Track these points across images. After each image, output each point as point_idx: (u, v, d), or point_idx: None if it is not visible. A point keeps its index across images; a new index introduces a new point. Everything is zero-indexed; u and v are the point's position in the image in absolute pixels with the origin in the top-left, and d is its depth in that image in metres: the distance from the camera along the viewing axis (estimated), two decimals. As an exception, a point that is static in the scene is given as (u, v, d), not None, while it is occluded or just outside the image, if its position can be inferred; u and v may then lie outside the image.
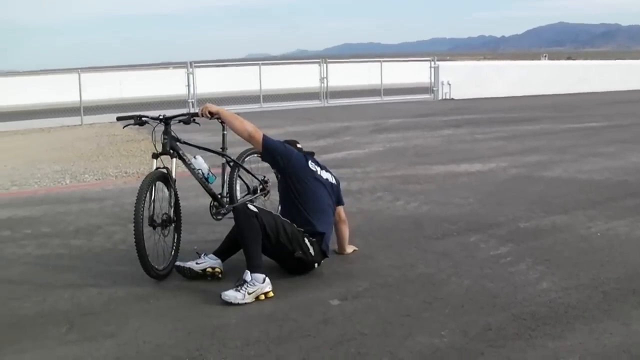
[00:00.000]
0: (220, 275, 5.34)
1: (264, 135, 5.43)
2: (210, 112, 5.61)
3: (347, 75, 27.73)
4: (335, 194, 5.72)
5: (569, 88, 29.32)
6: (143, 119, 5.90)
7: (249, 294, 4.81)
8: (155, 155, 5.65)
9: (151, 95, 25.53)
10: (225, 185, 6.40)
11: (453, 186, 9.04)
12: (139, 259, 5.15)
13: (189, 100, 21.97)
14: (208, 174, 6.08)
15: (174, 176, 5.56)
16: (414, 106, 23.80)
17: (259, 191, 6.78)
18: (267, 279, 4.92)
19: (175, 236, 5.67)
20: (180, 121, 5.89)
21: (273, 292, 4.92)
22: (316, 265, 5.40)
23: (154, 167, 5.56)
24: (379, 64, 28.08)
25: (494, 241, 6.21)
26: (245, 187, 6.75)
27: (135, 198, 5.15)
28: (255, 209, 5.11)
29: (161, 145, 5.75)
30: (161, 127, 5.79)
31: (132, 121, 5.93)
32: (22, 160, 12.71)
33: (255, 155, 6.62)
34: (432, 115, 19.81)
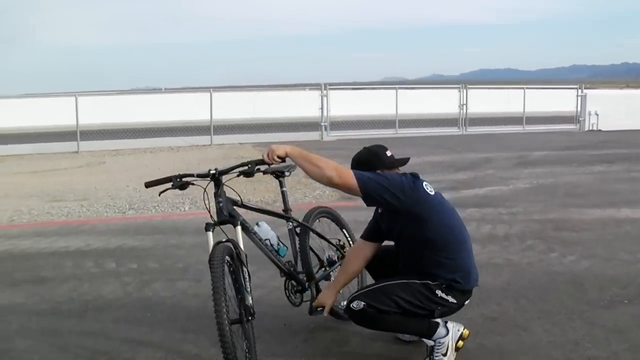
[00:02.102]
0: None
1: (354, 173, 3.97)
2: (278, 156, 4.13)
3: (486, 101, 26.32)
4: None
5: None
6: (185, 179, 4.35)
7: (444, 355, 4.05)
8: (211, 226, 4.20)
9: (284, 116, 25.28)
10: (298, 257, 4.86)
11: (615, 237, 7.81)
12: None
13: (322, 124, 21.30)
14: (278, 244, 4.67)
15: (243, 250, 4.10)
16: (559, 137, 22.23)
17: (337, 259, 5.12)
18: (446, 322, 4.13)
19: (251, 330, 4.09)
20: (240, 174, 4.39)
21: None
22: (465, 303, 4.28)
23: (210, 242, 4.08)
24: (520, 90, 26.59)
25: (677, 315, 5.05)
26: (316, 257, 5.09)
27: (212, 291, 3.75)
28: (360, 304, 4.02)
29: (216, 211, 4.28)
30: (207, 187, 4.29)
31: (169, 185, 4.37)
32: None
33: (328, 217, 5.32)
34: (580, 148, 18.31)
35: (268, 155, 4.13)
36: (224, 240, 4.04)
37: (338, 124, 21.89)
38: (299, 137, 20.83)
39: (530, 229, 8.18)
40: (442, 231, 4.07)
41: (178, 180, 4.30)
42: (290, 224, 4.97)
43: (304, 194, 10.77)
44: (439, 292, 4.07)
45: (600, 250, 7.13)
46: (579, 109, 25.43)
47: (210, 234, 4.14)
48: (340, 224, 5.38)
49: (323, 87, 21.87)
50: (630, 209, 9.37)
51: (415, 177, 4.12)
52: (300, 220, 4.92)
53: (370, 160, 4.19)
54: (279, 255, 4.66)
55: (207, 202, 4.28)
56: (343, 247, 5.20)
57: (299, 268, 4.83)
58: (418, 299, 4.04)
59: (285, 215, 4.98)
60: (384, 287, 4.09)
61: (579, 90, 25.72)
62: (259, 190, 11.14)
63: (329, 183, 3.97)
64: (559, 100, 27.21)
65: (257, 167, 4.34)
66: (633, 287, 5.77)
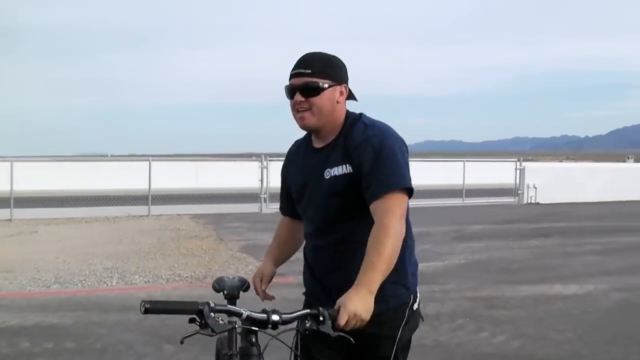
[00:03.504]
0: None
1: (399, 194, 2.83)
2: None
3: (427, 174, 26.41)
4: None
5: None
6: (234, 324, 2.59)
7: None
8: None
9: (225, 187, 25.07)
10: None
11: (547, 314, 7.73)
12: None
13: (262, 195, 21.08)
14: None
15: None
16: (497, 210, 22.37)
17: None
18: None
19: None
20: (305, 331, 2.64)
21: None
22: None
23: None
24: (461, 163, 26.85)
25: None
26: None
27: None
28: None
29: None
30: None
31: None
32: (76, 252, 11.99)
33: None
34: (517, 221, 18.42)
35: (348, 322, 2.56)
36: None
37: (274, 196, 21.62)
38: (237, 209, 20.60)
39: (462, 307, 8.04)
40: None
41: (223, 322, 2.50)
42: None
43: (237, 270, 10.52)
44: None
45: (531, 329, 7.03)
46: (517, 181, 25.70)
47: None
48: None
49: (263, 158, 21.77)
50: (563, 285, 9.34)
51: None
52: None
53: (345, 71, 3.07)
54: None
55: (234, 344, 2.90)
56: None
57: None
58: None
59: None
60: None
61: (518, 163, 26.04)
62: (190, 265, 10.88)
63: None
64: (498, 173, 27.55)
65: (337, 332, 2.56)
66: (562, 369, 5.66)
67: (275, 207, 21.08)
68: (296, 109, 2.96)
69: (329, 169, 2.94)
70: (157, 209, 20.10)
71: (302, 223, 3.22)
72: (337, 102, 2.98)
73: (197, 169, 29.28)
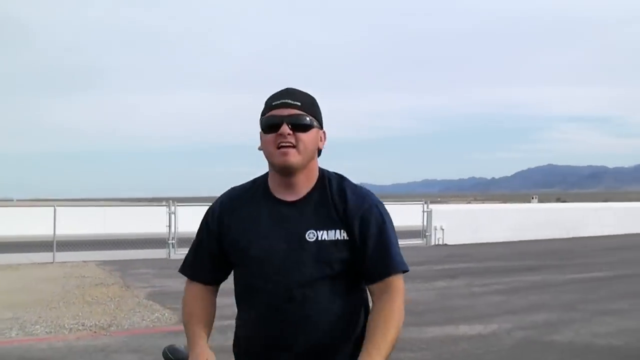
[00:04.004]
0: None
1: (401, 282, 2.62)
2: None
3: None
4: None
5: (566, 232, 28.41)
6: None
7: None
8: None
9: (133, 232, 24.62)
10: None
11: (452, 355, 7.85)
12: None
13: (169, 241, 20.77)
14: None
15: None
16: (405, 252, 21.61)
17: None
18: None
19: None
20: None
21: None
22: None
23: None
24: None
25: None
26: None
27: None
28: None
29: None
30: None
31: None
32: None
33: None
34: (425, 263, 18.67)
35: None
36: None
37: (187, 241, 21.23)
38: (145, 254, 20.25)
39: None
40: None
41: None
42: None
43: (142, 317, 10.31)
44: None
45: (436, 371, 7.11)
46: (425, 224, 26.10)
47: None
48: None
49: (171, 203, 21.52)
50: (468, 325, 9.49)
51: None
52: None
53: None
54: None
55: None
56: None
57: None
58: None
59: None
60: None
61: (425, 206, 26.48)
62: (95, 313, 10.61)
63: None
64: (407, 215, 27.91)
65: None
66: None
67: (184, 253, 20.70)
68: (278, 144, 2.49)
69: (312, 231, 2.52)
70: (62, 256, 19.56)
71: (215, 288, 2.77)
72: (319, 149, 2.63)
73: (105, 214, 28.70)
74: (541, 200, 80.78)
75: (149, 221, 23.78)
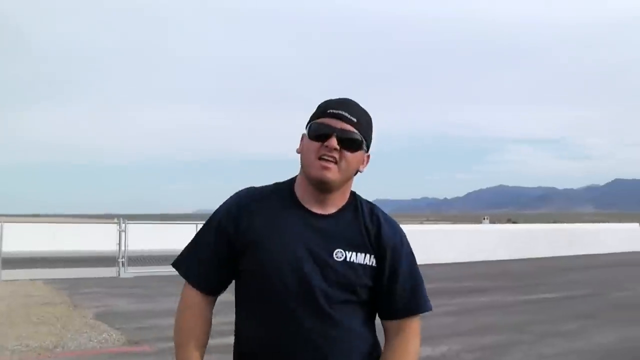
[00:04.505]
0: None
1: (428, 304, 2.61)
2: None
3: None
4: None
5: (516, 253, 28.72)
6: None
7: None
8: None
9: (82, 249, 24.30)
10: None
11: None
12: None
13: (119, 260, 20.44)
14: None
15: None
16: None
17: None
18: None
19: None
20: None
21: None
22: None
23: None
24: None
25: None
26: None
27: None
28: None
29: None
30: None
31: None
32: None
33: None
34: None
35: None
36: None
37: (138, 260, 21.12)
38: (94, 273, 19.92)
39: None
40: None
41: None
42: None
43: (89, 338, 10.11)
44: None
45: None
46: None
47: None
48: None
49: (121, 220, 21.22)
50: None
51: None
52: None
53: None
54: None
55: None
56: None
57: None
58: None
59: None
60: None
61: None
62: (40, 334, 10.36)
63: None
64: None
65: None
66: None
67: (134, 271, 20.21)
68: (320, 155, 2.30)
69: (340, 250, 2.34)
70: (9, 274, 19.17)
71: (214, 300, 2.51)
72: (359, 171, 2.43)
73: (55, 231, 28.29)
74: (492, 221, 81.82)
75: (99, 239, 23.45)
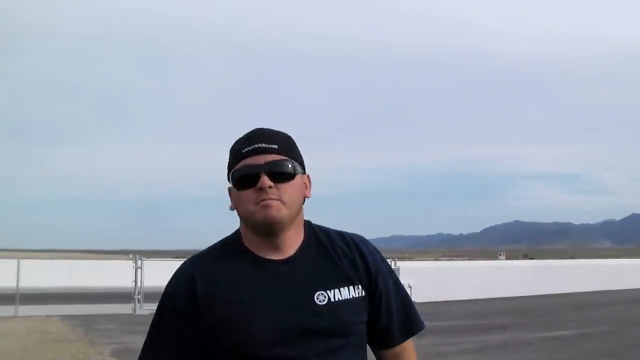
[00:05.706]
0: None
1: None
2: None
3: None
4: None
5: (533, 289, 28.44)
6: None
7: None
8: None
9: (98, 286, 24.34)
10: None
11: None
12: None
13: (135, 296, 20.46)
14: None
15: None
16: None
17: None
18: None
19: None
20: None
21: None
22: None
23: None
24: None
25: None
26: None
27: None
28: None
29: None
30: None
31: None
32: None
33: None
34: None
35: None
36: None
37: (154, 296, 21.05)
38: (110, 309, 19.96)
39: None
40: None
41: None
42: None
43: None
44: None
45: None
46: (393, 280, 26.00)
47: None
48: None
49: (137, 257, 21.24)
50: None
51: None
52: None
53: None
54: None
55: None
56: None
57: None
58: None
59: None
60: None
61: (393, 263, 26.44)
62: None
63: None
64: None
65: None
66: None
67: (150, 308, 20.19)
68: (258, 199, 1.99)
69: (321, 291, 2.02)
70: (25, 310, 19.26)
71: None
72: (306, 197, 2.11)
73: (71, 267, 28.41)
74: (508, 257, 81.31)
75: (115, 274, 23.55)
